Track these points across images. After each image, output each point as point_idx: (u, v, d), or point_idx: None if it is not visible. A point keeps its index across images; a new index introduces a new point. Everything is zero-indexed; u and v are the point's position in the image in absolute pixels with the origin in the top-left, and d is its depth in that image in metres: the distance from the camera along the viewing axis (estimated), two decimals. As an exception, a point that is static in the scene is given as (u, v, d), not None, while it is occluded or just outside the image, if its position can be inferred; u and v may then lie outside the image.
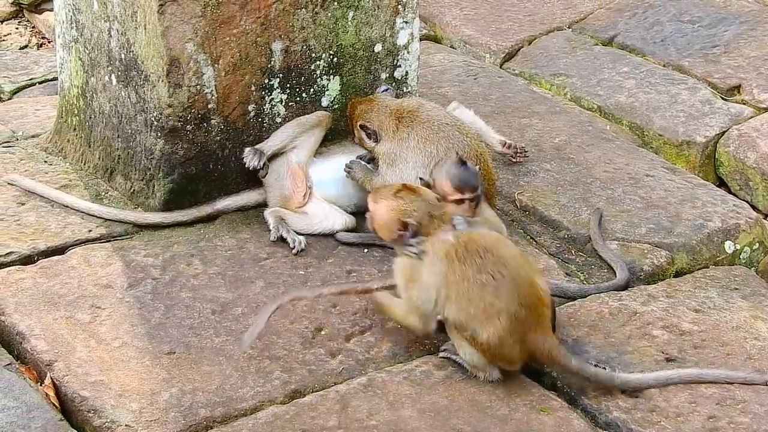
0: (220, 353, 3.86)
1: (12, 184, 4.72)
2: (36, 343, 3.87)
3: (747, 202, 5.33)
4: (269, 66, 4.60)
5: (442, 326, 3.80)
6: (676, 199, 4.91)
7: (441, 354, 3.87)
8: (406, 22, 4.88)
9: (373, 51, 4.84)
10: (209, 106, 4.52)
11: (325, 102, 4.79)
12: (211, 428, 3.57)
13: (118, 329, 3.95)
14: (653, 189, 4.97)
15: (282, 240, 4.42)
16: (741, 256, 4.76)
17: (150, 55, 4.43)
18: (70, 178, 4.83)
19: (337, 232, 4.52)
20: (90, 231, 4.49)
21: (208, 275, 4.26)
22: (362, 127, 4.65)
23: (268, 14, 4.52)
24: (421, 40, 5.20)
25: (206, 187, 4.63)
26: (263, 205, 4.62)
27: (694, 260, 4.62)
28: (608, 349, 3.95)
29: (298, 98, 4.72)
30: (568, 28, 6.85)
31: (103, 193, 4.75)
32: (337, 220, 4.53)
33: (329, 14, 4.66)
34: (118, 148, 4.75)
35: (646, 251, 4.56)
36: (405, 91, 4.96)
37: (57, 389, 3.71)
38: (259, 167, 4.54)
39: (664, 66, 6.33)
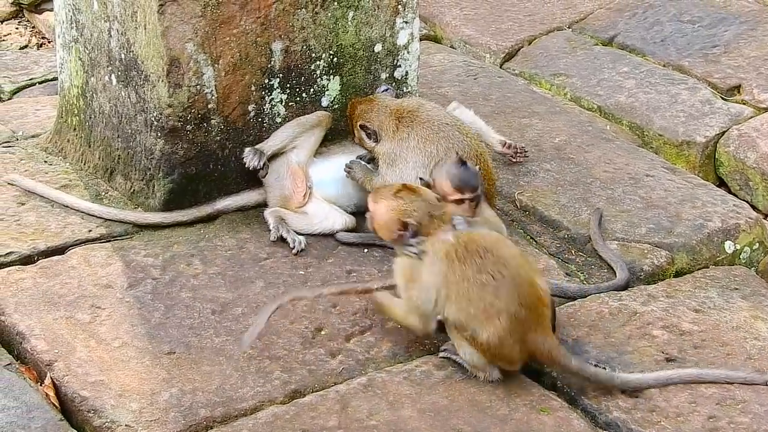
0: (220, 353, 3.86)
1: (12, 184, 4.72)
2: (36, 343, 3.87)
3: (747, 202, 5.33)
4: (269, 66, 4.60)
5: (442, 326, 3.80)
6: (676, 199, 4.91)
7: (441, 354, 3.87)
8: (406, 22, 4.88)
9: (373, 51, 4.84)
10: (209, 106, 4.52)
11: (325, 102, 4.79)
12: (211, 428, 3.57)
13: (118, 329, 3.95)
14: (653, 189, 4.98)
15: (282, 240, 4.42)
16: (741, 256, 4.76)
17: (150, 55, 4.43)
18: (70, 178, 4.83)
19: (337, 232, 4.52)
20: (90, 231, 4.49)
21: (208, 275, 4.25)
22: (362, 127, 4.65)
23: (268, 14, 4.52)
24: (421, 40, 5.20)
25: (206, 187, 4.63)
26: (263, 205, 4.62)
27: (694, 260, 4.62)
28: (608, 349, 3.95)
29: (298, 98, 4.72)
30: (568, 28, 6.85)
31: (103, 193, 4.75)
32: (337, 220, 4.53)
33: (329, 14, 4.66)
34: (118, 148, 4.75)
35: (646, 251, 4.56)
36: (405, 91, 4.96)
37: (57, 389, 3.71)
38: (259, 167, 4.54)
39: (664, 66, 6.33)
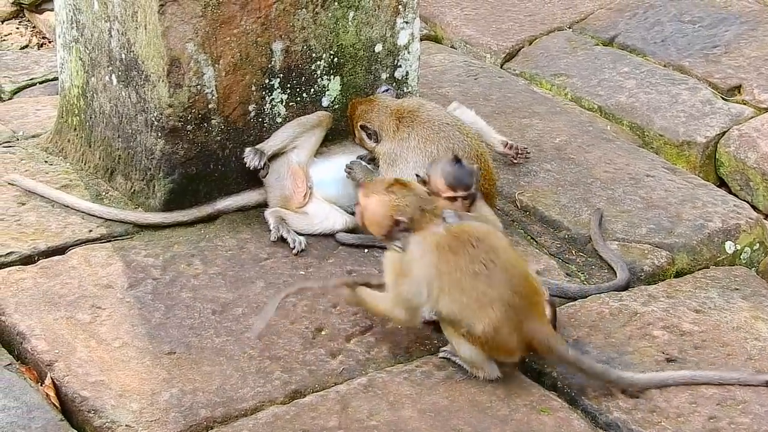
0: (221, 353, 3.86)
1: (12, 184, 4.72)
2: (36, 343, 3.87)
3: (747, 202, 5.32)
4: (270, 66, 4.60)
5: (440, 327, 3.80)
6: (676, 199, 4.91)
7: (441, 354, 3.87)
8: (407, 23, 4.88)
9: (374, 51, 4.84)
10: (210, 106, 4.52)
11: (325, 102, 4.79)
12: (212, 428, 3.57)
13: (118, 329, 3.95)
14: (654, 189, 4.97)
15: (282, 240, 4.42)
16: (741, 257, 4.76)
17: (150, 55, 4.43)
18: (70, 178, 4.83)
19: (337, 232, 4.52)
20: (90, 231, 4.49)
21: (209, 275, 4.26)
22: (363, 127, 4.65)
23: (268, 14, 4.52)
24: (421, 40, 5.20)
25: (207, 187, 4.63)
26: (264, 205, 4.62)
27: (694, 260, 4.62)
28: (609, 350, 3.94)
29: (298, 98, 4.72)
30: (569, 28, 6.85)
31: (104, 193, 4.75)
32: (338, 220, 4.53)
33: (330, 14, 4.66)
34: (118, 148, 4.75)
35: (646, 251, 4.56)
36: (405, 91, 4.96)
37: (57, 389, 3.71)
38: (259, 167, 4.54)
39: (664, 66, 6.33)
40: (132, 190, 4.70)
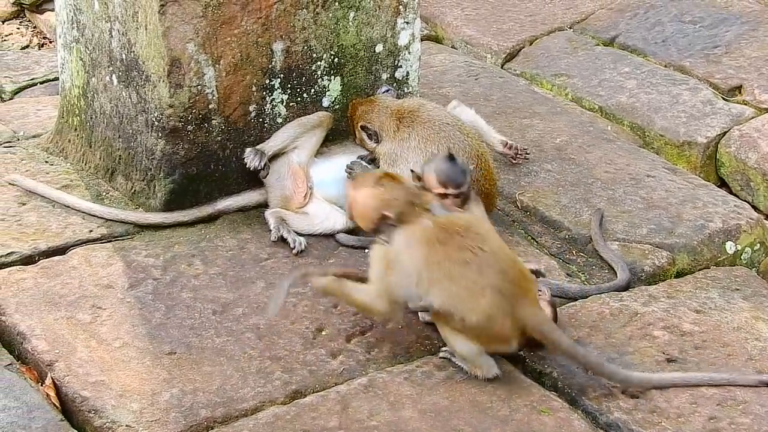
0: (221, 353, 3.86)
1: (13, 185, 4.72)
2: (37, 344, 3.87)
3: (748, 202, 5.32)
4: (270, 66, 4.60)
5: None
6: (677, 199, 4.91)
7: (441, 354, 3.87)
8: (407, 23, 4.88)
9: (374, 51, 4.84)
10: (210, 106, 4.52)
11: (326, 102, 4.79)
12: (212, 428, 3.57)
13: (118, 329, 3.95)
14: (654, 189, 4.97)
15: (282, 240, 4.42)
16: (742, 257, 4.76)
17: (151, 55, 4.43)
18: (71, 178, 4.84)
19: (337, 232, 4.51)
20: (91, 231, 4.50)
21: (209, 275, 4.26)
22: (363, 127, 4.65)
23: (269, 15, 4.52)
24: (422, 40, 5.20)
25: (207, 187, 4.63)
26: (264, 205, 4.62)
27: (695, 261, 4.62)
28: (609, 350, 3.94)
29: (299, 99, 4.72)
30: (570, 28, 6.85)
31: (104, 194, 4.75)
32: (338, 220, 4.53)
33: (330, 15, 4.66)
34: (119, 149, 4.75)
35: (647, 252, 4.56)
36: (406, 91, 4.96)
37: (58, 389, 3.71)
38: (259, 168, 4.54)
39: (665, 66, 6.33)
40: (132, 191, 4.70)
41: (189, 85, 4.44)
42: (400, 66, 4.93)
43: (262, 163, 4.54)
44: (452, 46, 6.78)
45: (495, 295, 3.61)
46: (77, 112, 4.95)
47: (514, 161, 5.06)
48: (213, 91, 4.50)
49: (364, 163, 4.59)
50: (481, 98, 5.74)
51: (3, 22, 7.49)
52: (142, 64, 4.49)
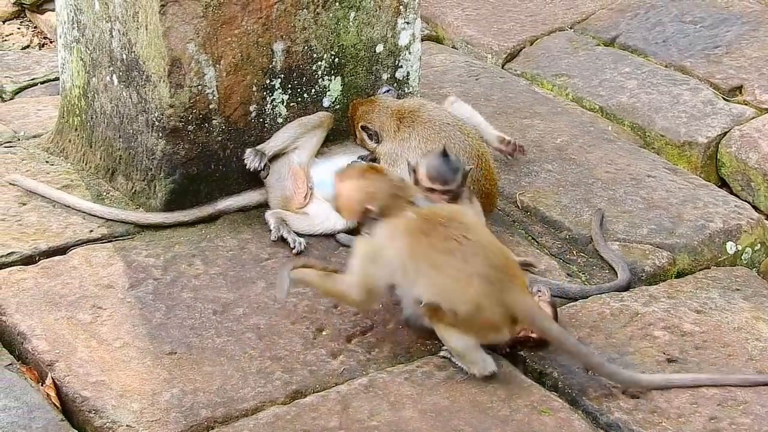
0: (222, 353, 3.86)
1: (14, 185, 4.72)
2: (37, 344, 3.87)
3: (749, 202, 5.32)
4: (271, 66, 4.60)
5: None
6: (677, 199, 4.91)
7: (442, 353, 3.87)
8: (408, 23, 4.88)
9: (375, 51, 4.84)
10: (210, 106, 4.52)
11: (326, 102, 4.79)
12: (212, 429, 3.57)
13: (119, 329, 3.95)
14: (655, 190, 4.97)
15: (283, 240, 4.42)
16: (742, 257, 4.76)
17: (151, 55, 4.43)
18: (71, 178, 4.84)
19: (338, 232, 4.51)
20: (91, 231, 4.50)
21: (210, 275, 4.26)
22: (364, 128, 4.66)
23: (269, 15, 4.52)
24: (422, 40, 5.20)
25: (208, 187, 4.63)
26: (265, 205, 4.63)
27: (695, 261, 4.62)
28: (610, 350, 3.94)
29: (299, 99, 4.72)
30: (570, 28, 6.85)
31: (105, 194, 4.75)
32: (338, 221, 4.51)
33: (331, 15, 4.66)
34: (119, 149, 4.75)
35: (647, 252, 4.56)
36: (406, 91, 4.96)
37: (58, 389, 3.71)
38: (259, 169, 4.54)
39: (665, 66, 6.33)
40: (133, 191, 4.70)
41: (189, 85, 4.44)
42: (401, 66, 4.93)
43: (262, 164, 4.54)
44: (453, 46, 6.78)
45: (483, 282, 3.60)
46: (78, 112, 4.95)
47: (509, 157, 5.03)
48: (213, 91, 4.50)
49: (365, 164, 4.59)
50: (481, 98, 5.74)
51: (4, 22, 7.49)
52: (143, 64, 4.49)
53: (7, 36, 7.36)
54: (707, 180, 5.37)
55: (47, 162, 4.96)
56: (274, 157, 4.60)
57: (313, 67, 4.71)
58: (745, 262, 4.75)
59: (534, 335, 3.86)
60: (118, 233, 4.50)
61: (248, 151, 4.56)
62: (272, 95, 4.65)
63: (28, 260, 4.31)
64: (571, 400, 3.75)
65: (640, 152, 5.39)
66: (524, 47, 6.66)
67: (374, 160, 4.62)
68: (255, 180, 4.62)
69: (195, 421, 3.58)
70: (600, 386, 3.77)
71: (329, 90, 4.79)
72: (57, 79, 5.58)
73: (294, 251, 4.37)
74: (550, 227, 4.76)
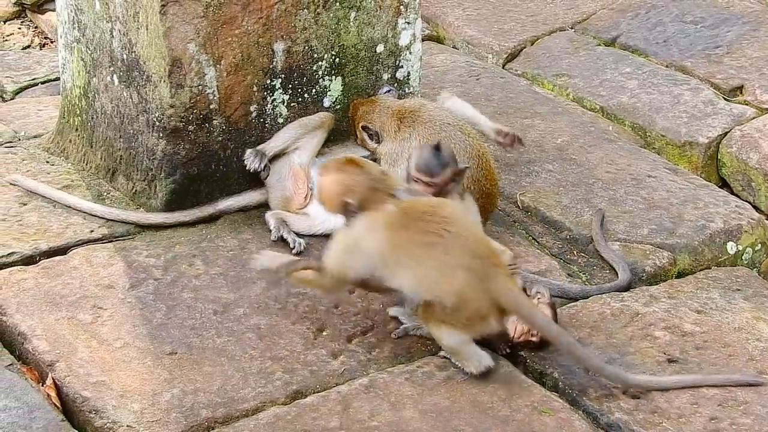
0: (222, 354, 3.86)
1: (14, 185, 4.72)
2: (37, 344, 3.87)
3: (749, 203, 5.32)
4: (271, 66, 4.60)
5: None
6: (678, 199, 4.91)
7: (441, 353, 3.87)
8: (408, 23, 4.88)
9: (375, 51, 4.84)
10: (211, 106, 4.52)
11: (327, 102, 4.79)
12: (213, 429, 3.57)
13: (119, 330, 3.95)
14: (655, 190, 4.97)
15: (282, 241, 4.42)
16: (743, 257, 4.76)
17: (152, 55, 4.43)
18: (72, 178, 4.84)
19: (338, 232, 4.51)
20: (92, 231, 4.50)
21: (210, 276, 4.26)
22: (364, 128, 4.66)
23: (270, 15, 4.52)
24: (423, 40, 5.20)
25: (208, 187, 4.63)
26: (265, 205, 4.62)
27: (696, 261, 4.62)
28: (610, 350, 3.94)
29: (300, 99, 4.72)
30: (571, 28, 6.85)
31: (105, 194, 4.75)
32: (338, 221, 4.52)
33: (331, 15, 4.66)
34: (120, 149, 4.75)
35: (648, 252, 4.56)
36: (407, 91, 4.96)
37: (58, 390, 3.71)
38: (259, 170, 4.54)
39: (666, 66, 6.33)
40: (133, 191, 4.70)
41: (190, 86, 4.44)
42: (401, 66, 4.93)
43: (262, 165, 4.54)
44: (453, 47, 6.78)
45: (466, 273, 3.61)
46: (78, 113, 4.95)
47: (510, 148, 4.97)
48: (214, 91, 4.50)
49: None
50: (482, 98, 5.74)
51: (4, 22, 7.49)
52: (143, 64, 4.49)
53: (7, 36, 7.36)
54: (708, 180, 5.37)
55: (48, 162, 4.96)
56: (275, 158, 4.60)
57: (314, 67, 4.71)
58: (745, 262, 4.75)
59: (534, 338, 3.86)
60: (118, 233, 4.50)
61: (248, 151, 4.56)
62: (273, 95, 4.65)
63: (29, 260, 4.31)
64: (571, 400, 3.75)
65: (640, 152, 5.39)
66: (525, 47, 6.66)
67: (375, 160, 4.62)
68: (255, 180, 4.62)
69: (195, 421, 3.58)
70: (600, 386, 3.77)
71: (330, 90, 4.78)
72: (58, 79, 5.58)
73: (294, 251, 4.37)
74: (550, 227, 4.76)
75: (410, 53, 4.93)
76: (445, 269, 3.61)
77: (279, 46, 4.59)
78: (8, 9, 7.53)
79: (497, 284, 3.64)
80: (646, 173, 5.11)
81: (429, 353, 3.93)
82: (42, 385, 3.73)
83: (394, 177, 4.06)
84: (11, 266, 4.26)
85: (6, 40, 7.31)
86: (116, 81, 4.66)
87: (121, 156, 4.75)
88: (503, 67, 6.51)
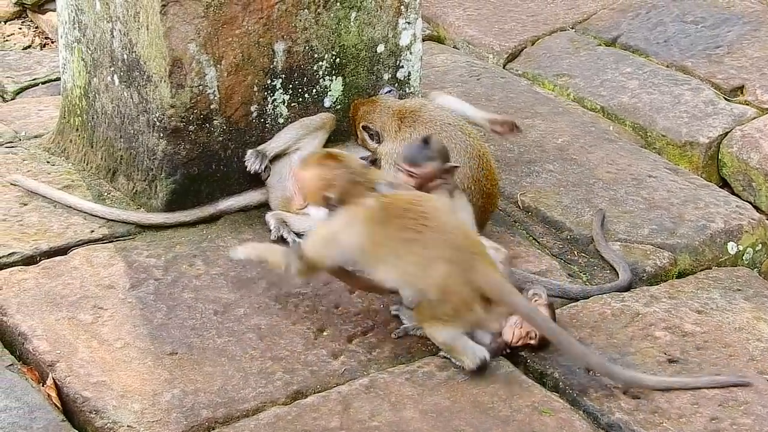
0: (222, 354, 3.86)
1: (15, 185, 4.72)
2: (38, 344, 3.87)
3: (750, 203, 5.32)
4: (272, 67, 4.60)
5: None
6: (678, 200, 4.91)
7: (442, 353, 3.87)
8: (409, 23, 4.87)
9: (376, 52, 4.83)
10: (212, 106, 4.52)
11: (327, 103, 4.79)
12: (213, 429, 3.57)
13: (120, 330, 3.95)
14: (656, 190, 4.97)
15: (282, 241, 4.42)
16: (744, 257, 4.75)
17: (152, 55, 4.43)
18: (72, 178, 4.84)
19: (339, 232, 4.51)
20: (92, 231, 4.50)
21: (211, 276, 4.26)
22: (365, 128, 4.65)
23: (270, 15, 4.52)
24: (424, 40, 5.20)
25: (209, 187, 4.63)
26: (266, 205, 4.63)
27: (696, 261, 4.62)
28: (611, 350, 3.94)
29: (300, 99, 4.72)
30: (572, 28, 6.84)
31: (106, 194, 4.75)
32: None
33: (332, 15, 4.66)
34: (120, 149, 4.75)
35: (648, 252, 4.56)
36: (408, 91, 4.96)
37: (59, 390, 3.71)
38: (260, 171, 4.54)
39: (667, 66, 6.33)
40: (134, 191, 4.70)
41: (190, 86, 4.44)
42: (402, 66, 4.93)
43: (263, 166, 4.54)
44: (454, 47, 6.78)
45: (446, 265, 3.63)
46: (79, 113, 4.95)
47: (509, 135, 4.94)
48: (214, 91, 4.50)
49: (366, 164, 4.58)
50: (482, 98, 5.74)
51: (5, 23, 7.49)
52: (144, 64, 4.49)
53: (8, 36, 7.36)
54: (708, 180, 5.37)
55: (48, 162, 4.97)
56: (276, 158, 4.60)
57: (314, 68, 4.71)
58: (746, 262, 4.75)
59: (533, 342, 3.86)
60: (119, 233, 4.50)
61: (249, 152, 4.56)
62: (273, 95, 4.65)
63: (29, 260, 4.31)
64: (572, 400, 3.75)
65: (641, 152, 5.39)
66: (525, 47, 6.66)
67: (375, 160, 4.61)
68: (256, 180, 4.62)
69: (196, 421, 3.58)
70: (601, 386, 3.77)
71: (330, 90, 4.78)
72: (58, 79, 5.58)
73: (294, 251, 4.37)
74: (551, 227, 4.76)
75: (411, 53, 4.93)
76: (425, 263, 3.64)
77: (279, 46, 4.59)
78: (9, 9, 7.54)
79: (479, 273, 3.66)
80: (646, 173, 5.11)
81: (429, 353, 3.93)
82: (42, 386, 3.73)
83: (375, 171, 4.06)
84: (12, 266, 4.26)
85: (7, 40, 7.31)
86: (117, 81, 4.67)
87: (121, 156, 4.75)
88: (504, 67, 6.51)
